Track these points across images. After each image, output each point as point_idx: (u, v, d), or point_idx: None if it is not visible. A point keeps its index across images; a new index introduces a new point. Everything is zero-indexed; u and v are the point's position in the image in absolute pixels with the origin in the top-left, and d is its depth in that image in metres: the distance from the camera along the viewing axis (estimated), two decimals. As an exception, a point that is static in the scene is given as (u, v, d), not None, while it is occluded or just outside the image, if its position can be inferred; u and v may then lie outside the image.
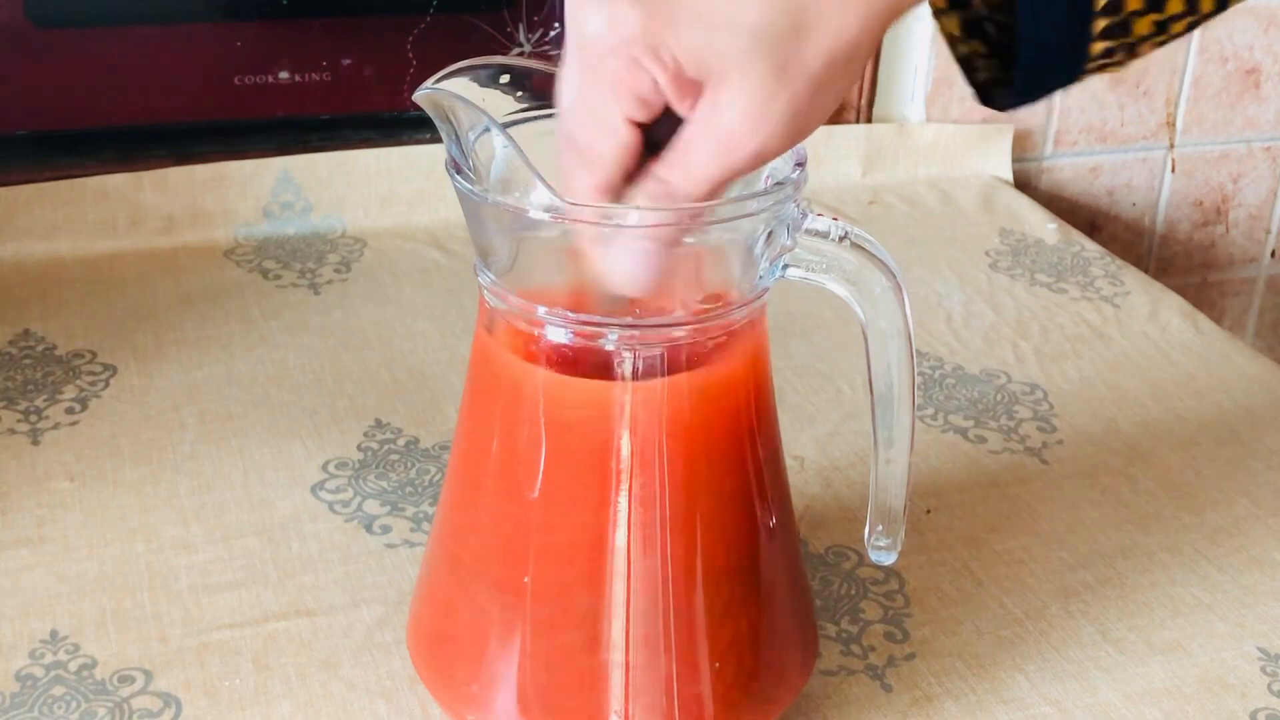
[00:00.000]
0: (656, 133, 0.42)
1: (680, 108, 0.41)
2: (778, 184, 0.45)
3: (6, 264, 0.84)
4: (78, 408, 0.71)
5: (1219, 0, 0.45)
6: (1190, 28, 0.45)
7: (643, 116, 0.41)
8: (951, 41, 0.48)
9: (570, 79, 0.42)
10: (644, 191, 0.42)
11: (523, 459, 0.47)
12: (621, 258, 0.43)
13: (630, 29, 0.40)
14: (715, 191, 0.42)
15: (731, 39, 0.39)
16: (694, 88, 0.40)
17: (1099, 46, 0.44)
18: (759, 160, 0.42)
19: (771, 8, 0.39)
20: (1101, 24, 0.43)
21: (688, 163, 0.41)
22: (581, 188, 0.42)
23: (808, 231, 0.46)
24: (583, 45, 0.41)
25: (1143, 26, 0.44)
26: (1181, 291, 0.92)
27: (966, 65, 0.48)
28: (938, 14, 0.47)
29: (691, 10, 0.39)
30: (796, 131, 0.41)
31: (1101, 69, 0.45)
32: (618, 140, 0.41)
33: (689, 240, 0.44)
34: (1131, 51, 0.45)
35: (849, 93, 0.42)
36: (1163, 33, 0.45)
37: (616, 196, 0.42)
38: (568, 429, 0.46)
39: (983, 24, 0.47)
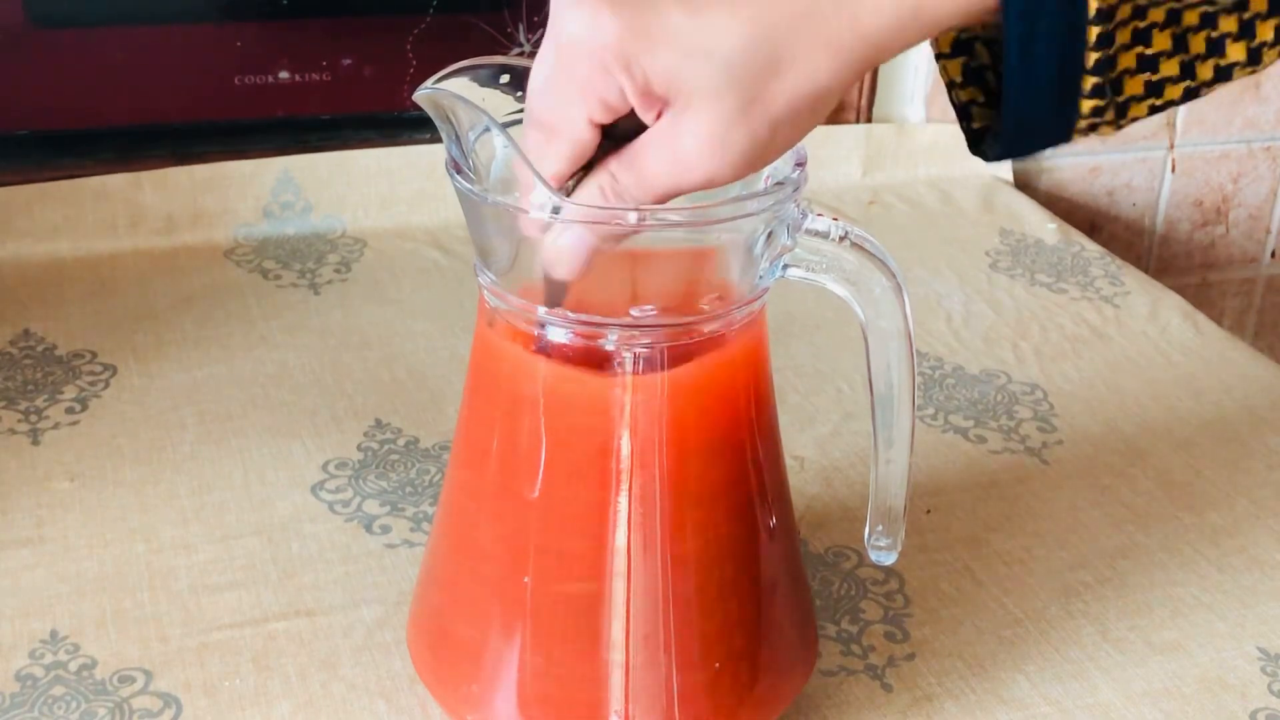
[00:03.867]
0: (620, 125, 0.42)
1: (644, 116, 0.41)
2: (778, 184, 0.45)
3: (6, 264, 0.84)
4: (78, 408, 0.71)
5: (1218, 70, 0.45)
6: (1188, 94, 0.45)
7: (605, 119, 0.42)
8: (950, 87, 0.48)
9: (542, 67, 0.42)
10: (596, 183, 0.43)
11: (523, 459, 0.47)
12: (556, 240, 0.43)
13: (606, 38, 0.40)
14: (662, 200, 0.43)
15: (703, 68, 0.40)
16: (659, 102, 0.41)
17: (1089, 105, 0.44)
18: (709, 185, 0.42)
19: (748, 43, 0.40)
20: (1091, 82, 0.43)
21: (641, 169, 0.42)
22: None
23: (808, 231, 0.46)
24: (560, 42, 0.41)
25: (1134, 86, 0.44)
26: (1181, 291, 0.92)
27: (963, 112, 0.48)
28: (940, 58, 0.47)
29: (669, 32, 0.40)
30: (751, 164, 0.42)
31: (1092, 129, 0.45)
32: (575, 136, 0.42)
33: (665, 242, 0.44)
34: (1123, 112, 0.45)
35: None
36: (1156, 95, 0.45)
37: (566, 184, 0.43)
38: (568, 429, 0.46)
39: (984, 72, 0.47)
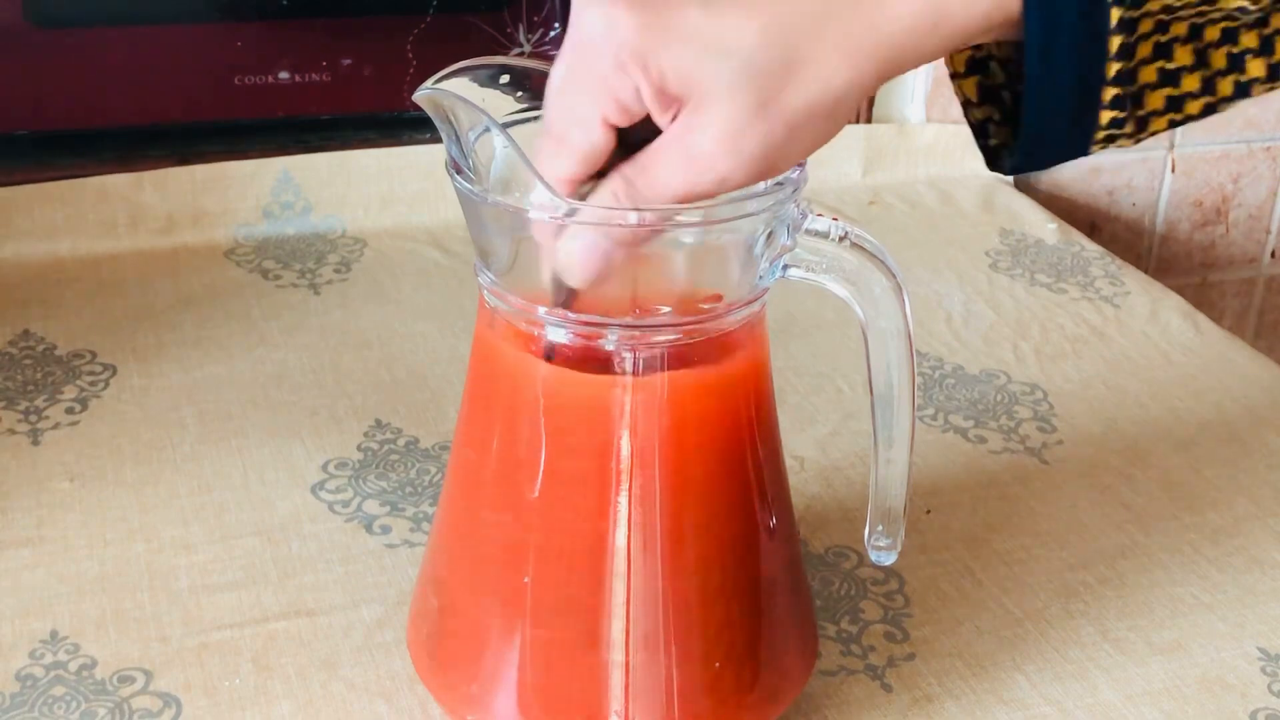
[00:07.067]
0: (635, 134, 0.42)
1: (659, 119, 0.41)
2: (777, 184, 0.45)
3: (6, 264, 0.84)
4: (78, 408, 0.71)
5: (1238, 86, 0.45)
6: (1207, 110, 0.45)
7: (620, 121, 0.42)
8: (966, 106, 0.48)
9: (561, 68, 0.42)
10: (610, 188, 0.43)
11: (523, 459, 0.47)
12: (569, 247, 0.43)
13: (624, 35, 0.40)
14: (677, 204, 0.42)
15: (719, 66, 0.40)
16: (675, 102, 0.41)
17: (1107, 116, 0.43)
18: (723, 187, 0.42)
19: (765, 41, 0.40)
20: (1111, 93, 0.43)
21: (655, 172, 0.42)
22: (548, 174, 0.43)
23: (808, 231, 0.46)
24: (578, 41, 0.41)
25: (1155, 101, 0.44)
26: (1181, 291, 0.92)
27: (979, 130, 0.48)
28: (955, 77, 0.47)
29: (687, 29, 0.40)
30: (766, 167, 0.42)
31: (1110, 141, 0.45)
32: (590, 138, 0.42)
33: (663, 244, 0.44)
34: (1143, 126, 0.45)
35: (836, 133, 0.42)
36: (1176, 110, 0.44)
37: (579, 188, 0.43)
38: (568, 429, 0.47)
39: (999, 91, 0.47)
